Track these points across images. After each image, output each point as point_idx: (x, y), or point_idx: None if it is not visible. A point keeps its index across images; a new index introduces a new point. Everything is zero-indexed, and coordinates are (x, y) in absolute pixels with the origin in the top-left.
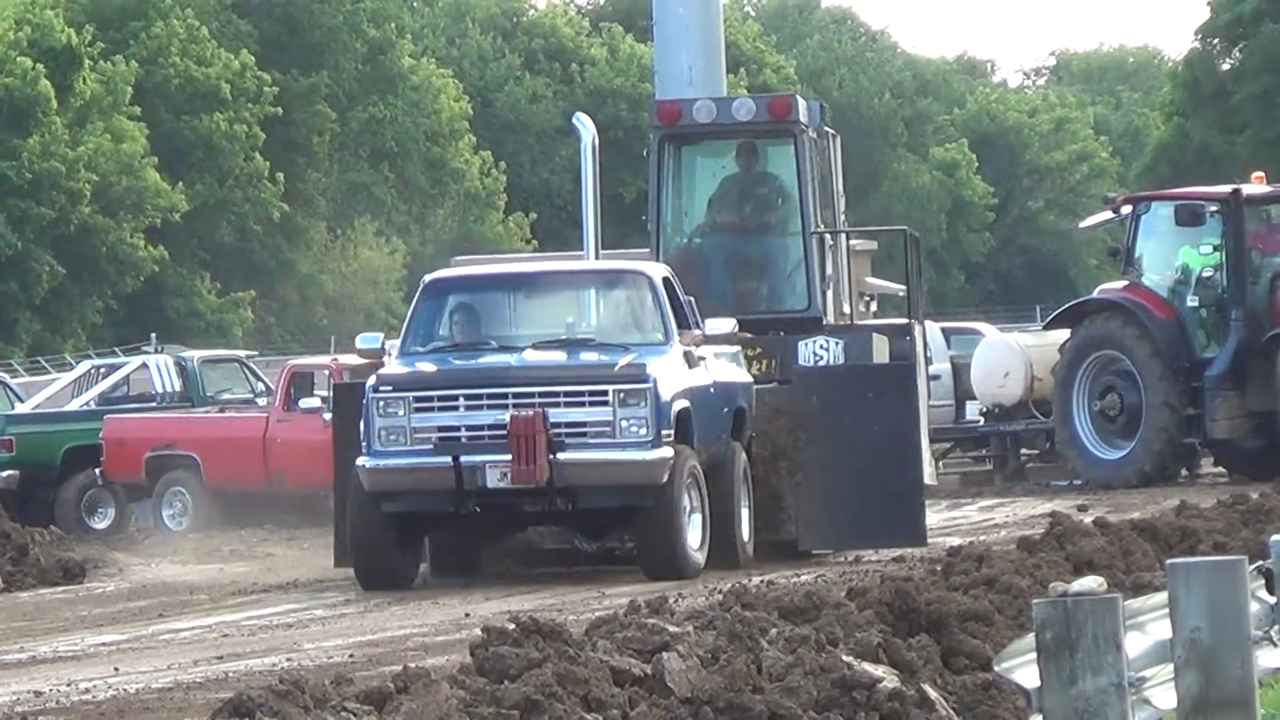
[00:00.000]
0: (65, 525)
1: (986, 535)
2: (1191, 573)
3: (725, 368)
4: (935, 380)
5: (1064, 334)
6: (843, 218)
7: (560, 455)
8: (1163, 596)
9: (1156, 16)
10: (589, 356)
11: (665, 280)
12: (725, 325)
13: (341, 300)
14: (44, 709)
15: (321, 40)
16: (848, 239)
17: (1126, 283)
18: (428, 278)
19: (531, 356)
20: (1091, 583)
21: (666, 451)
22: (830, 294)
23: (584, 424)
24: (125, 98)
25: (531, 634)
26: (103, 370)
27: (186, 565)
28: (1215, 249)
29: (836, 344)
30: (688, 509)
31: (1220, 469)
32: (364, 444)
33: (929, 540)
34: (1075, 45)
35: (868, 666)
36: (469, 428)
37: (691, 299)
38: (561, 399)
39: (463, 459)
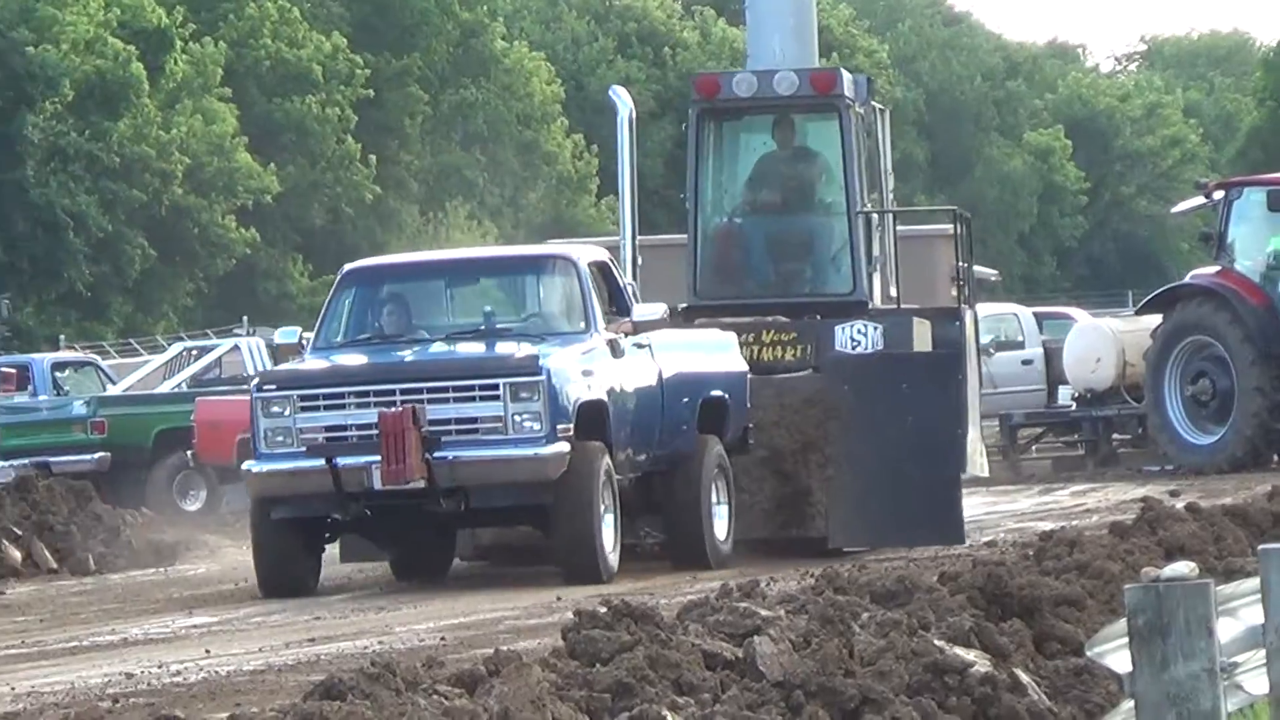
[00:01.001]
0: (156, 507)
1: (1078, 520)
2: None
3: (695, 355)
4: (1028, 365)
5: (1156, 319)
6: (891, 196)
7: (444, 453)
8: (1255, 582)
9: (1248, 2)
10: (499, 348)
11: (597, 265)
12: (655, 311)
13: None
14: (135, 690)
15: (413, 23)
16: (895, 219)
17: (1219, 268)
18: (345, 267)
19: (434, 350)
20: (1183, 568)
21: (562, 447)
22: (878, 276)
23: (475, 419)
24: (216, 79)
25: (623, 617)
26: (194, 352)
27: None
28: None
29: (875, 329)
30: (598, 511)
31: None
32: (252, 446)
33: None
34: (1166, 30)
35: (960, 651)
36: (357, 427)
37: (633, 284)
38: (450, 394)
39: (344, 460)
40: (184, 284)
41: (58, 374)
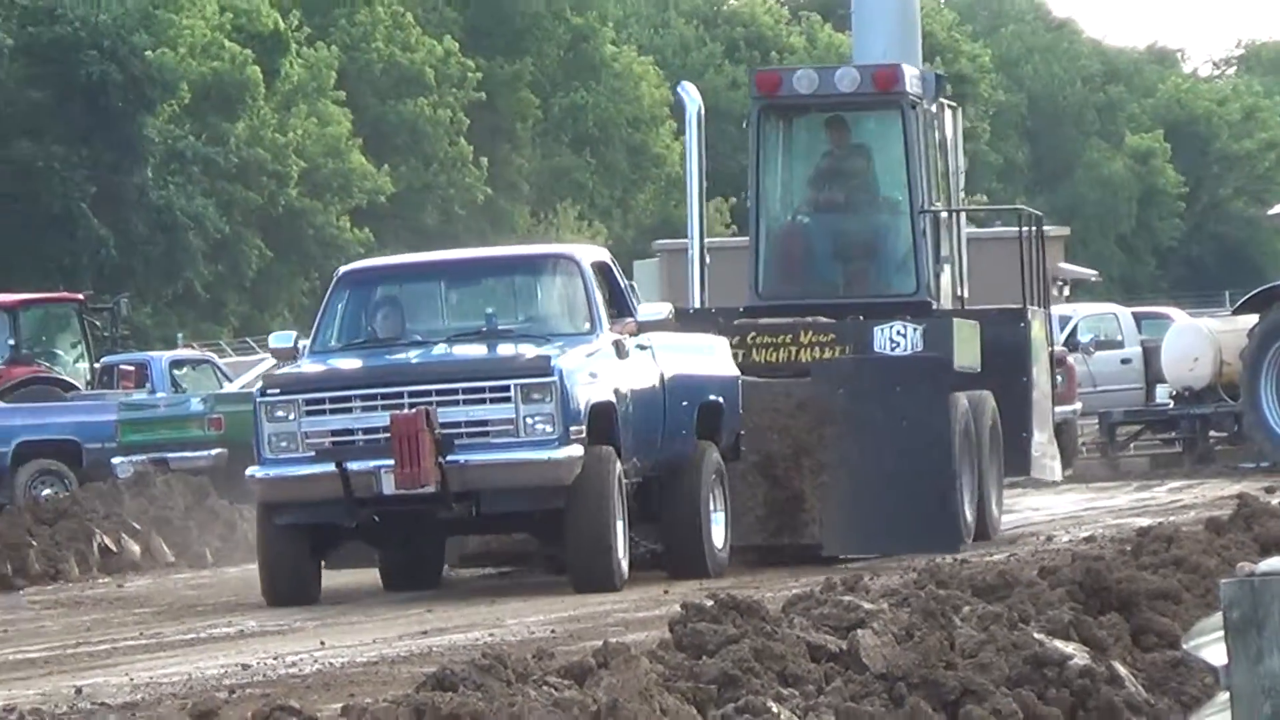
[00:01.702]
0: None
1: (1175, 516)
2: None
3: (692, 360)
4: (1127, 364)
5: (1252, 319)
6: (962, 195)
7: (457, 457)
8: None
9: None
10: (503, 350)
11: (600, 265)
12: (661, 311)
13: None
14: (251, 681)
15: (524, 27)
16: (962, 218)
17: None
18: (341, 269)
19: (439, 351)
20: (1278, 563)
21: (575, 450)
22: (945, 276)
23: (485, 423)
24: (330, 83)
25: (729, 610)
26: None
27: None
28: None
29: (915, 330)
30: (612, 517)
31: None
32: (255, 452)
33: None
34: (1264, 35)
35: (1059, 644)
36: (365, 431)
37: (633, 284)
38: (460, 397)
39: (353, 465)
40: (299, 283)
41: (176, 372)
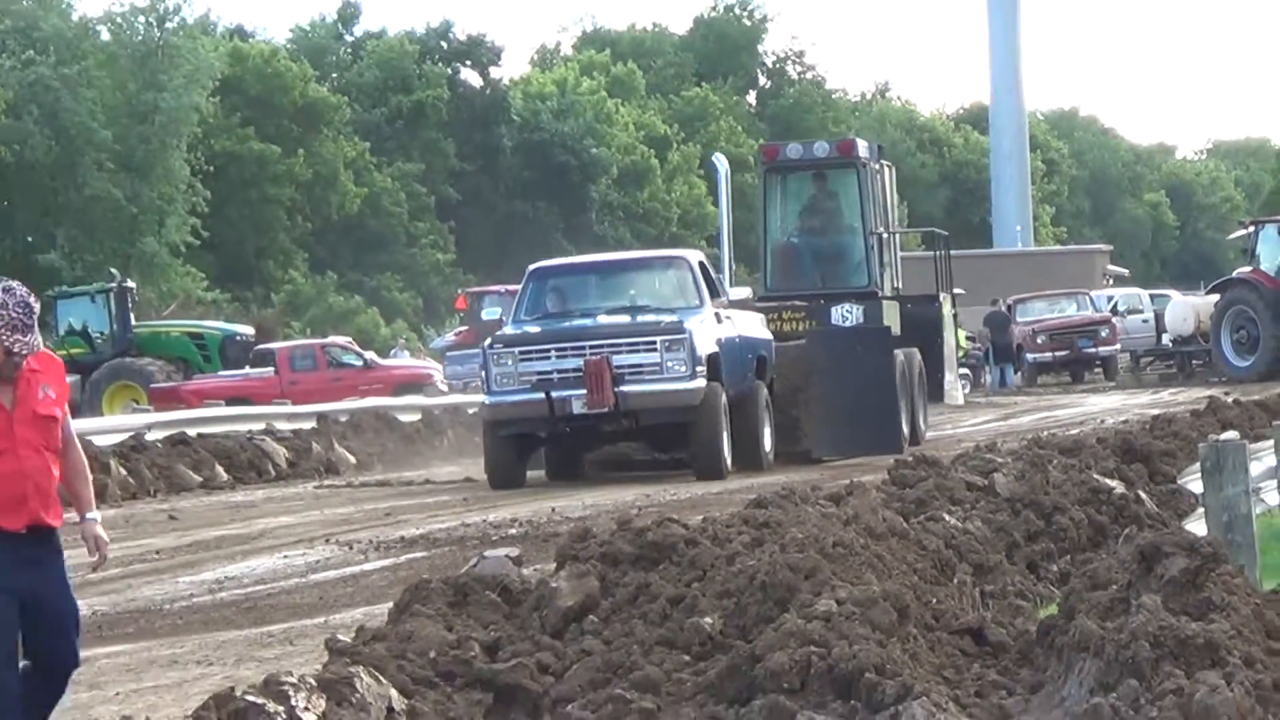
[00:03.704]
0: None
1: (1174, 409)
2: None
3: (750, 326)
4: (1145, 322)
5: (1215, 297)
6: (895, 222)
7: (623, 388)
8: (1270, 443)
9: None
10: (645, 318)
11: (700, 263)
12: (743, 293)
13: None
14: (651, 505)
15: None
16: (898, 237)
17: (1251, 268)
18: (531, 267)
19: (603, 319)
20: (1233, 434)
21: (700, 383)
22: (887, 276)
23: (641, 365)
24: (696, 165)
25: (921, 463)
26: None
27: None
28: None
29: (858, 309)
30: (723, 428)
31: None
32: (484, 386)
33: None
34: (1225, 135)
35: (1107, 480)
36: (559, 371)
37: (721, 275)
38: (624, 348)
39: (554, 394)
40: None
41: None
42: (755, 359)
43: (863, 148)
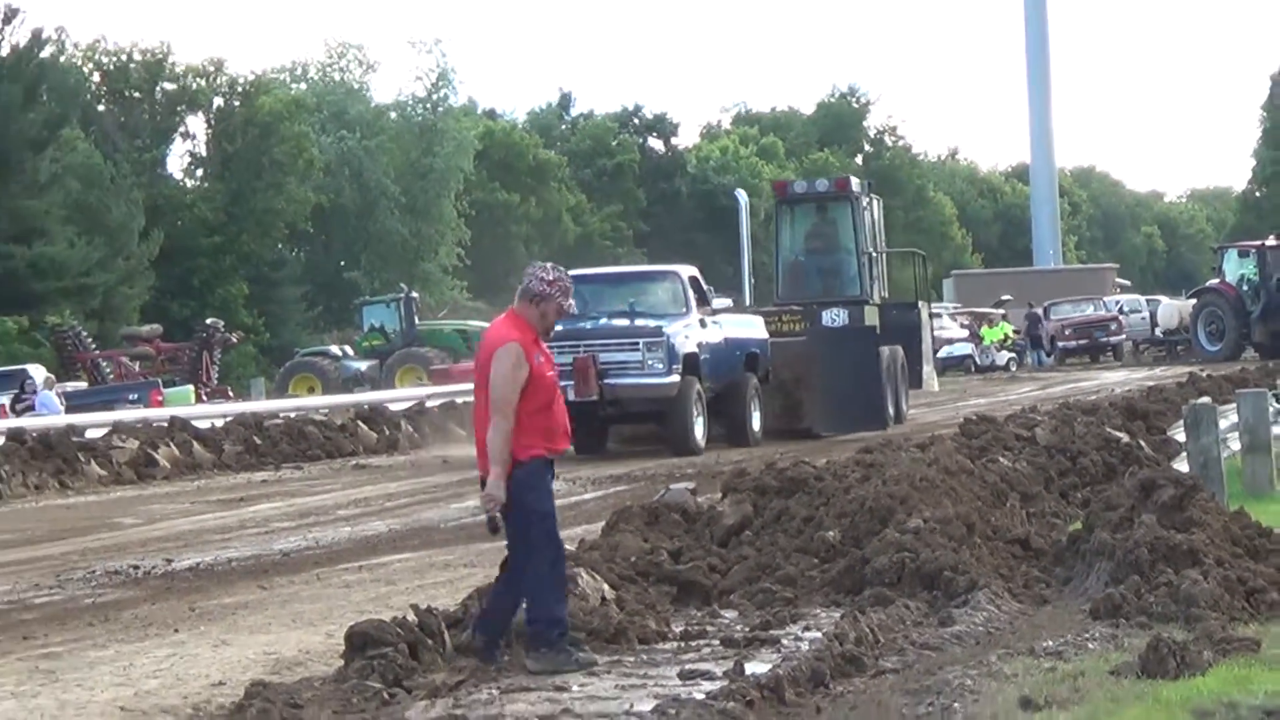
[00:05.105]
0: None
1: (1164, 381)
2: (1243, 396)
3: (743, 329)
4: (1143, 319)
5: (1193, 300)
6: (883, 244)
7: (609, 381)
8: (1234, 406)
9: None
10: (638, 322)
11: (691, 278)
12: (725, 302)
13: None
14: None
15: None
16: (884, 256)
17: (1218, 280)
18: None
19: (604, 322)
20: (1206, 400)
21: (675, 378)
22: (875, 286)
23: (626, 362)
24: None
25: (983, 420)
26: None
27: None
28: (1254, 266)
29: (845, 312)
30: (694, 415)
31: (1258, 355)
32: None
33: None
34: (1202, 183)
35: (1117, 433)
36: (560, 365)
37: (710, 287)
38: (611, 347)
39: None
40: None
41: None
42: (745, 356)
43: (855, 184)
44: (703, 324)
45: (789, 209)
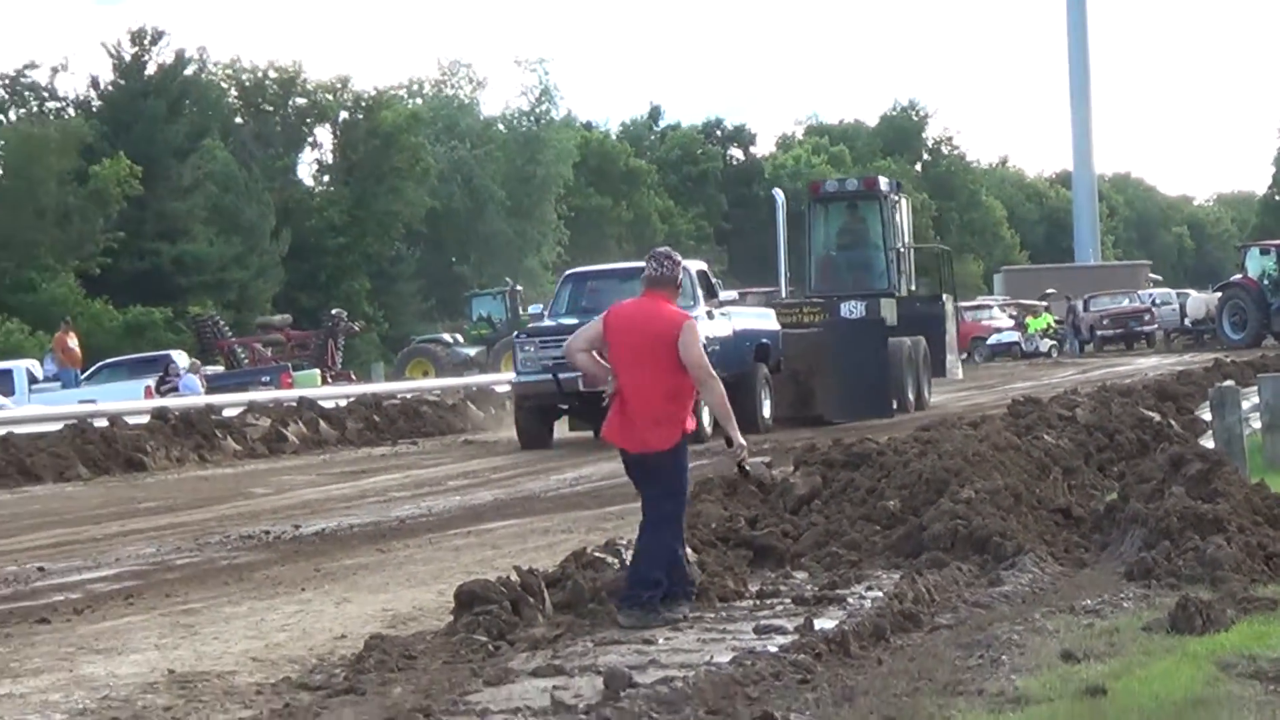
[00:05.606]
0: None
1: (1192, 366)
2: (1264, 379)
3: (755, 321)
4: (1173, 310)
5: (1219, 294)
6: (910, 240)
7: None
8: (1255, 388)
9: None
10: None
11: (700, 272)
12: (730, 294)
13: None
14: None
15: None
16: (911, 251)
17: (1241, 275)
18: (566, 272)
19: None
20: (1230, 383)
21: None
22: (902, 279)
23: None
24: None
25: (1030, 401)
26: None
27: None
28: (1275, 262)
29: (861, 304)
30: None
31: (1277, 343)
32: (514, 369)
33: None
34: (1227, 188)
35: (1149, 412)
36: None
37: (719, 280)
38: None
39: (562, 375)
40: None
41: None
42: (755, 346)
43: (884, 183)
44: (710, 316)
45: (822, 207)
